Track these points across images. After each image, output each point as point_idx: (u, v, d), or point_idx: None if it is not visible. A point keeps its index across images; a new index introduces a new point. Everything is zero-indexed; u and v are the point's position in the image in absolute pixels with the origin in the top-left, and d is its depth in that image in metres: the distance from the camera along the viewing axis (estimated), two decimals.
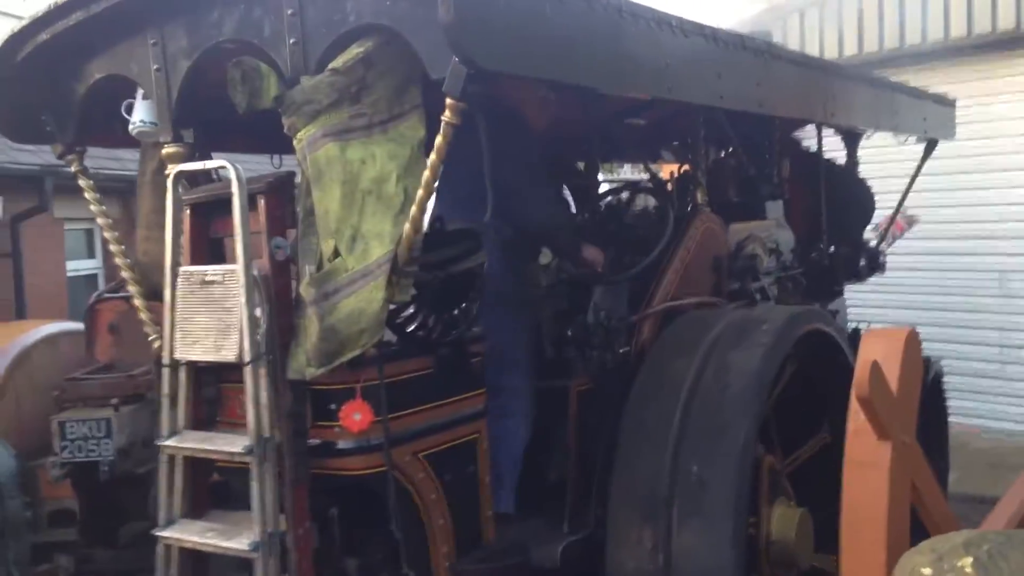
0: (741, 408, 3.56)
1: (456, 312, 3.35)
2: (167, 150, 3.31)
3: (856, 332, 5.36)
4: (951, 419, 8.45)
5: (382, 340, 3.16)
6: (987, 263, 9.06)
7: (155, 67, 3.33)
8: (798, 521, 3.99)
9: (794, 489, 4.10)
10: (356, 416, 3.09)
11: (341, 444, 3.15)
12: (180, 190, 3.23)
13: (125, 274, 3.55)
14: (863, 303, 8.99)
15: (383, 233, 2.96)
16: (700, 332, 3.98)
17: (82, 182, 3.63)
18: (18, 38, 3.48)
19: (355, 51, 2.99)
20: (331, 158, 2.98)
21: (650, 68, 3.47)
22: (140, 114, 3.36)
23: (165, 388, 3.23)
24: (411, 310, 3.31)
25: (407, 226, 2.94)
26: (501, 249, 3.86)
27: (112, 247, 3.56)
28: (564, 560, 3.63)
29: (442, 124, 2.86)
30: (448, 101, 2.83)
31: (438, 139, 2.88)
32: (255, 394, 3.00)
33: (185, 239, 3.24)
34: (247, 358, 2.99)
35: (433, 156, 2.92)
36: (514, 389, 3.85)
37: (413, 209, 2.93)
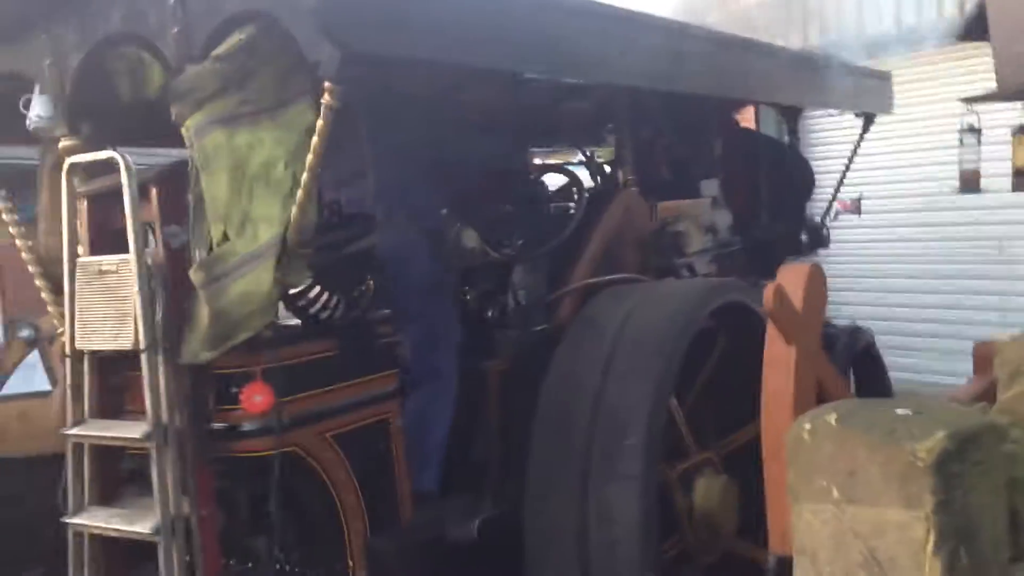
0: (645, 397, 3.63)
1: (355, 294, 3.40)
2: (63, 143, 3.34)
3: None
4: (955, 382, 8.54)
5: (278, 323, 3.21)
6: (986, 231, 9.12)
7: (47, 61, 3.36)
8: (721, 489, 4.05)
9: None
10: (257, 398, 3.13)
11: (245, 426, 3.18)
12: (76, 182, 3.27)
13: (32, 268, 3.58)
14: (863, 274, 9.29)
15: (272, 217, 2.99)
16: (613, 310, 4.03)
17: None
18: None
19: (237, 38, 3.01)
20: (218, 145, 3.02)
21: (543, 46, 3.52)
22: (36, 109, 3.38)
23: (69, 378, 3.28)
24: (311, 293, 3.36)
25: (295, 209, 2.97)
26: (418, 233, 3.90)
27: (18, 242, 3.59)
28: (481, 535, 3.68)
29: (321, 108, 2.90)
30: (326, 84, 2.87)
31: (319, 122, 2.92)
32: (151, 380, 3.04)
33: (83, 230, 3.28)
34: (142, 345, 3.04)
35: (315, 139, 2.95)
36: (436, 371, 3.87)
37: (299, 193, 2.97)
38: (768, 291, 3.02)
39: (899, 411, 2.48)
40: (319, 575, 3.39)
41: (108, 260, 3.16)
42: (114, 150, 3.15)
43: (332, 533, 3.37)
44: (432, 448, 3.82)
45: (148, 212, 3.13)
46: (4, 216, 3.61)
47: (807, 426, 2.46)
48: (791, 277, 3.18)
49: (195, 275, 3.00)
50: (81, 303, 3.22)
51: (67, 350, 3.27)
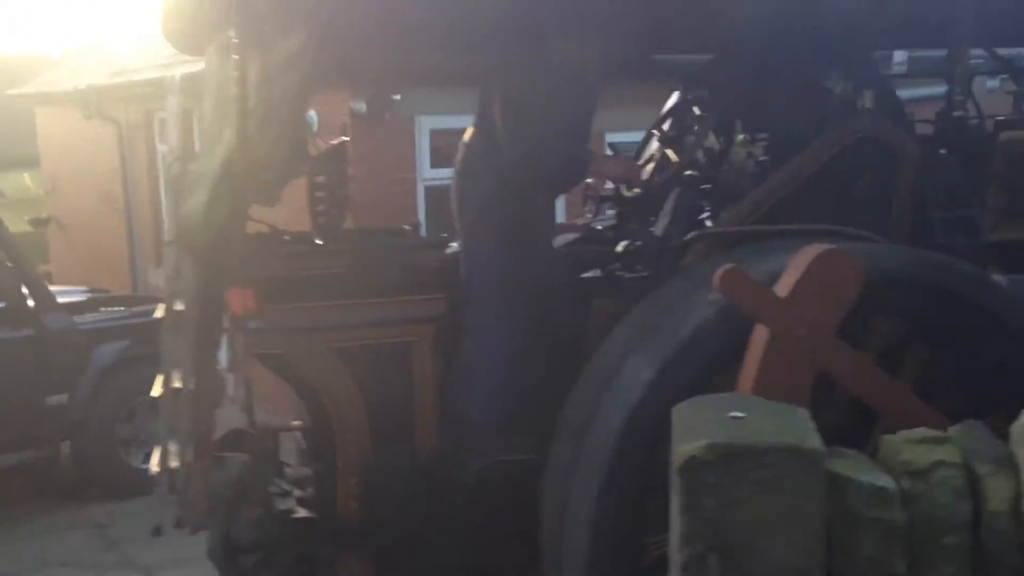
0: None
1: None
2: None
3: None
4: None
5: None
6: None
7: None
8: None
9: None
10: (242, 301, 3.46)
11: (251, 324, 3.54)
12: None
13: None
14: None
15: (231, 140, 3.24)
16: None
17: None
18: None
19: None
20: (214, 68, 3.34)
21: None
22: None
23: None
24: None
25: (235, 135, 3.17)
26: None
27: None
28: (482, 480, 3.56)
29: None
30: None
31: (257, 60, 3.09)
32: (168, 270, 3.58)
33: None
34: (166, 239, 3.58)
35: (263, 71, 3.12)
36: (493, 301, 3.76)
37: (237, 118, 3.15)
38: (718, 272, 2.87)
39: (733, 413, 2.46)
40: (312, 469, 3.67)
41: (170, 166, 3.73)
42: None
43: (322, 437, 3.60)
44: (480, 380, 3.74)
45: None
46: None
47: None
48: (799, 258, 2.92)
49: (169, 188, 3.42)
50: None
51: None
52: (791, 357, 2.85)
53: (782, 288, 2.90)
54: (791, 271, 2.91)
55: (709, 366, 3.10)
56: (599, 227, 4.51)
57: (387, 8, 3.38)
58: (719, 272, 2.86)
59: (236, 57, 3.08)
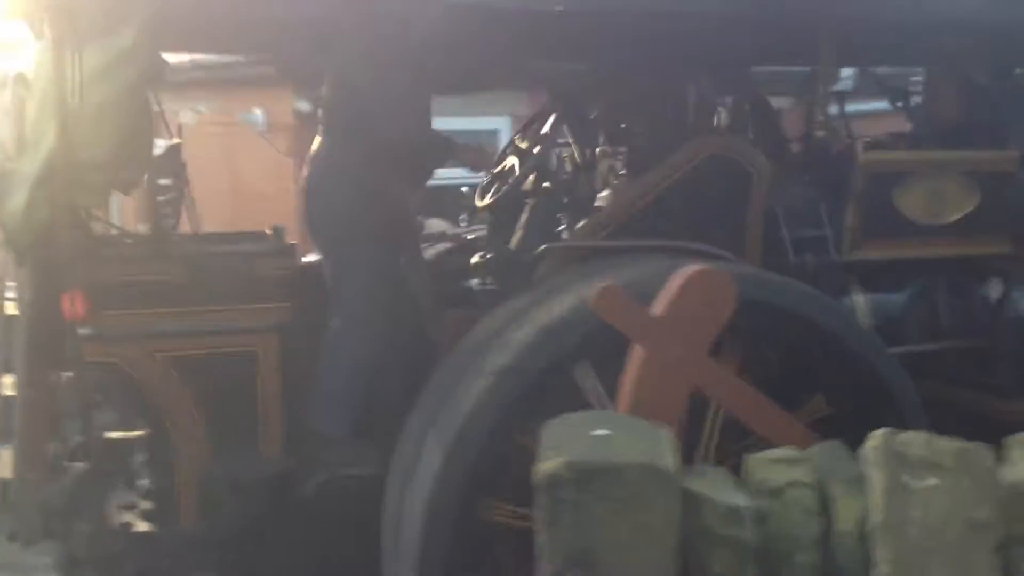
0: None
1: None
2: None
3: None
4: None
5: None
6: None
7: None
8: None
9: None
10: (72, 305, 3.34)
11: (81, 330, 3.41)
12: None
13: None
14: None
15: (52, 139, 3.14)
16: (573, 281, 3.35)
17: None
18: None
19: None
20: (41, 64, 3.24)
21: None
22: None
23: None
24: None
25: (58, 135, 3.08)
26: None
27: None
28: (324, 493, 3.49)
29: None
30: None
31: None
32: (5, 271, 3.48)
33: None
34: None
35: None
36: (353, 312, 3.70)
37: (61, 118, 3.06)
38: (593, 291, 2.89)
39: (598, 431, 2.51)
40: (149, 484, 3.57)
41: None
42: None
43: (161, 448, 3.50)
44: (334, 390, 3.68)
45: None
46: None
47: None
48: (675, 278, 2.91)
49: None
50: None
51: None
52: (666, 376, 2.87)
53: (657, 307, 2.89)
54: (666, 291, 2.90)
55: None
56: (470, 237, 4.49)
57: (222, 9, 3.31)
58: (596, 291, 2.84)
59: (54, 54, 2.98)
